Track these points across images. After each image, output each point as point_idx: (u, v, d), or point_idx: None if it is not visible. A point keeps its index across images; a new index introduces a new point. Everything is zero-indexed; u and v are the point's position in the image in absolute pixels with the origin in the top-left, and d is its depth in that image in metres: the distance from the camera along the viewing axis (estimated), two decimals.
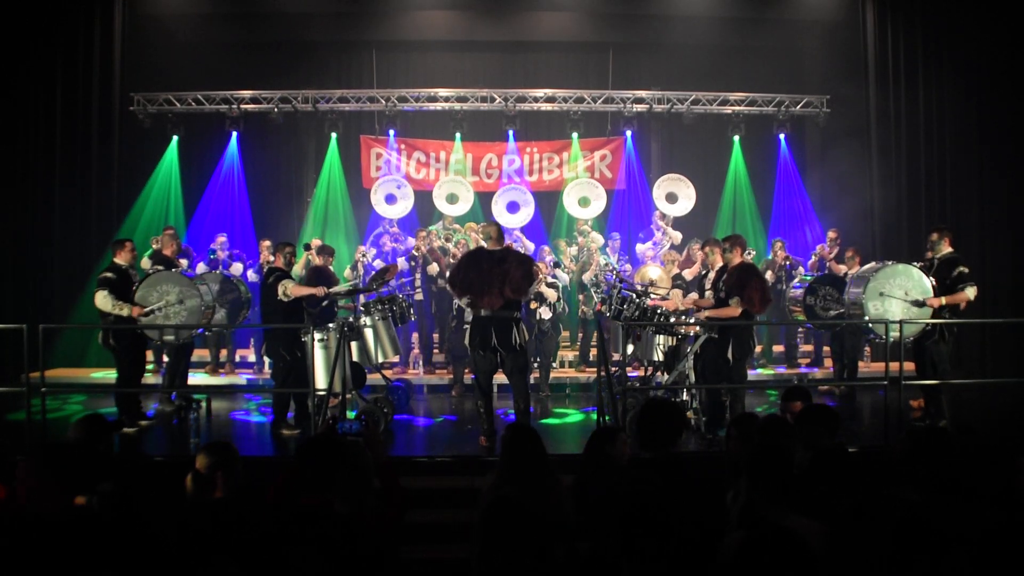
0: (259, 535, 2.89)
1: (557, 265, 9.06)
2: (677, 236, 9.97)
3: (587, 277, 8.96)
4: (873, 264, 7.43)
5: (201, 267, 8.93)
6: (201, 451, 3.46)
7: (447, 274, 8.70)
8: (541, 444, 3.69)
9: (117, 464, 3.85)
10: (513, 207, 10.41)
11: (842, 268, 8.40)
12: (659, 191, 10.40)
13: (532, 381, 8.65)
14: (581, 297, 9.13)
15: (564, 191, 10.52)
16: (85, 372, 9.46)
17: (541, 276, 8.21)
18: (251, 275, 9.08)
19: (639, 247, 9.92)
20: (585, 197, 10.37)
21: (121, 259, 7.07)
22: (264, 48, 11.53)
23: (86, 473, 3.43)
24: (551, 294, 8.23)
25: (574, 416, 7.61)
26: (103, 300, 6.78)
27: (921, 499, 2.85)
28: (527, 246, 9.73)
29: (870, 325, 6.81)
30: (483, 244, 6.63)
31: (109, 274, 6.89)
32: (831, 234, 9.34)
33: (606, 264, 8.98)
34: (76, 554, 2.64)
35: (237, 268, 9.21)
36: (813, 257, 9.37)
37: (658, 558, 2.27)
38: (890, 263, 7.03)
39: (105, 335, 7.06)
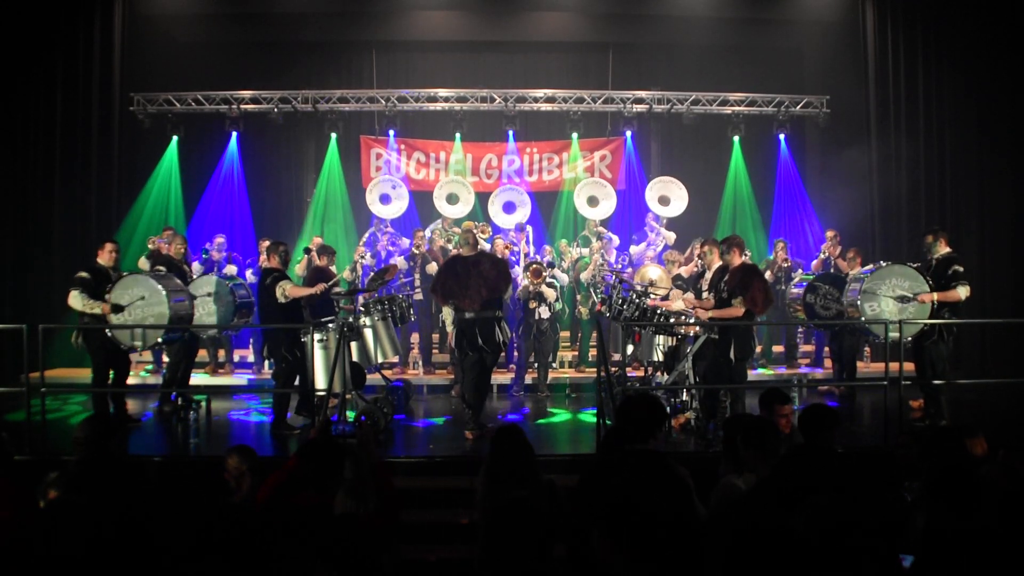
0: (258, 535, 2.89)
1: (552, 265, 9.05)
2: (671, 236, 9.95)
3: (585, 277, 8.96)
4: (872, 265, 7.43)
5: (196, 267, 8.89)
6: (232, 453, 3.53)
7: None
8: (529, 443, 3.72)
9: (122, 464, 3.86)
10: (509, 207, 10.34)
11: (848, 266, 8.38)
12: (651, 193, 10.34)
13: (531, 381, 8.68)
14: (578, 297, 9.12)
15: (574, 191, 10.44)
16: (85, 372, 9.43)
17: (544, 274, 8.24)
18: (250, 276, 9.02)
19: (632, 248, 9.92)
20: (594, 196, 10.27)
21: (101, 259, 7.01)
22: (264, 48, 11.54)
23: (95, 473, 3.45)
24: (550, 294, 8.25)
25: (572, 416, 7.59)
26: (75, 299, 6.69)
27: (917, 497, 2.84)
28: (528, 248, 9.75)
29: (869, 326, 6.81)
30: (460, 251, 6.94)
31: (84, 274, 6.81)
32: (829, 233, 9.35)
33: (602, 264, 8.97)
34: None
35: (231, 270, 9.14)
36: (821, 255, 9.34)
37: (646, 555, 2.25)
38: (886, 263, 7.02)
39: (76, 335, 7.00)
